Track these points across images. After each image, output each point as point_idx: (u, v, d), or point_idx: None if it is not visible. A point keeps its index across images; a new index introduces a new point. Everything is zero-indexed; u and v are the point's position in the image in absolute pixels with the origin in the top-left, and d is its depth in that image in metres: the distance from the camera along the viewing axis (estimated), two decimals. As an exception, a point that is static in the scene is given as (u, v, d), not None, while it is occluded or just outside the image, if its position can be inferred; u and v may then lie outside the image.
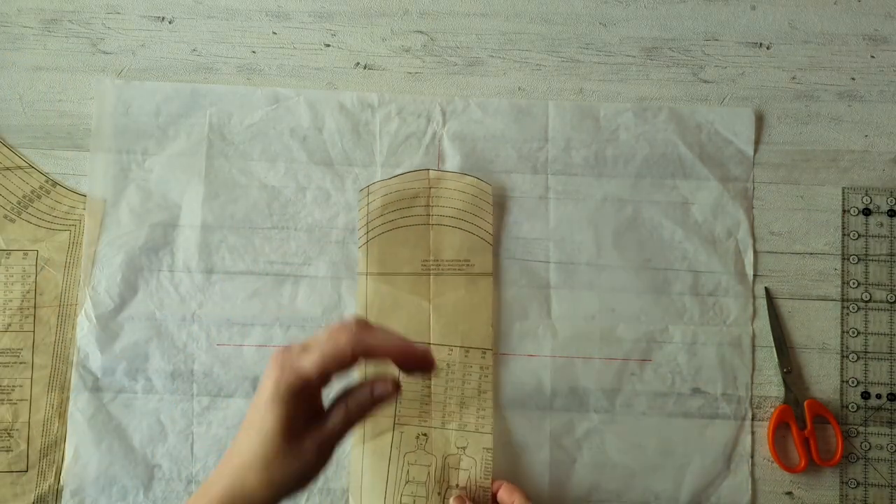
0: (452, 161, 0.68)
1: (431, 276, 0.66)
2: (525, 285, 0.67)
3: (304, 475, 0.45)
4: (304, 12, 0.70)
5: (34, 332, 0.66)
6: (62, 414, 0.65)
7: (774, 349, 0.66)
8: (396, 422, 0.65)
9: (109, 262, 0.66)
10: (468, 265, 0.67)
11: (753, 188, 0.68)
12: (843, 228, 0.68)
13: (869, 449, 0.66)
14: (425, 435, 0.65)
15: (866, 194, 0.68)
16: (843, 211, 0.68)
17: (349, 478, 0.65)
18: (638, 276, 0.67)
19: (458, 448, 0.65)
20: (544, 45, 0.70)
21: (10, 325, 0.66)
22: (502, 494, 0.62)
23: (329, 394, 0.48)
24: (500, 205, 0.68)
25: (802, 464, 0.65)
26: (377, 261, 0.67)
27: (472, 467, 0.64)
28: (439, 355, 0.65)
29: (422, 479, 0.64)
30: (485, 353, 0.66)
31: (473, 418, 0.65)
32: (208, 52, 0.70)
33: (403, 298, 0.66)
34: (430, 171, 0.68)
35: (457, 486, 0.64)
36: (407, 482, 0.64)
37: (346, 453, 0.65)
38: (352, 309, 0.67)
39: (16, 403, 0.65)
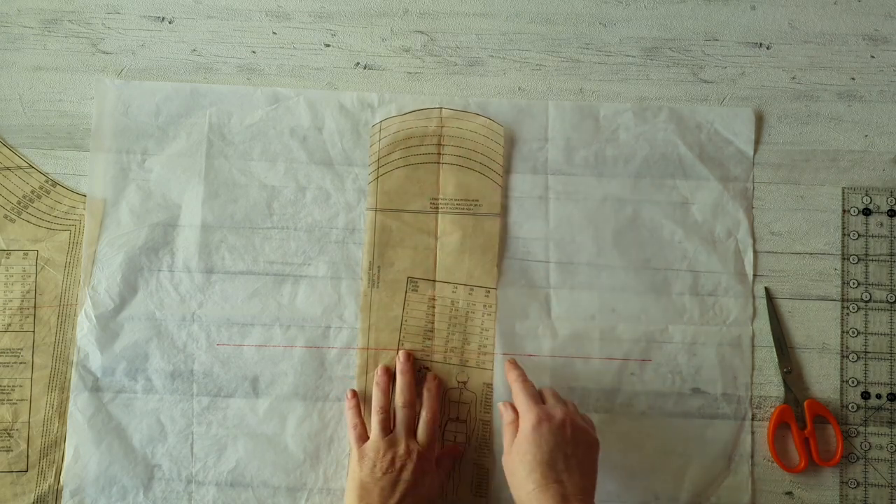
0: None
1: (439, 215, 0.67)
2: (525, 285, 0.67)
3: None
4: (304, 12, 0.70)
5: (34, 332, 0.66)
6: (62, 414, 0.65)
7: (774, 349, 0.66)
8: None
9: (109, 262, 0.66)
10: (476, 205, 0.67)
11: (753, 188, 0.68)
12: (843, 228, 0.68)
13: (869, 449, 0.66)
14: (427, 368, 0.66)
15: (866, 194, 0.68)
16: (843, 211, 0.68)
17: None
18: (638, 276, 0.67)
19: (458, 382, 0.66)
20: (544, 45, 0.70)
21: (10, 325, 0.66)
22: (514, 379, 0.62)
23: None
24: (510, 146, 0.68)
25: (802, 464, 0.65)
26: (386, 197, 0.67)
27: (472, 401, 0.66)
28: (443, 293, 0.66)
29: None
30: (489, 291, 0.67)
31: (475, 355, 0.66)
32: (208, 52, 0.70)
33: (410, 235, 0.67)
34: (443, 110, 0.68)
35: (457, 418, 0.65)
36: None
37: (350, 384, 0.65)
38: (352, 309, 0.67)
39: (16, 403, 0.65)
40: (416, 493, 0.58)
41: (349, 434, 0.63)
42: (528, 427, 0.57)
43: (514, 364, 0.64)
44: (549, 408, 0.58)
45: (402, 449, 0.60)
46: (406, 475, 0.58)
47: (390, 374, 0.65)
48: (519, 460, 0.56)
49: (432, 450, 0.62)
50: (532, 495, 0.54)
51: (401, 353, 0.65)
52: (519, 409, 0.59)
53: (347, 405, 0.64)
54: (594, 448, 0.58)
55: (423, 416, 0.63)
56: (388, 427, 0.62)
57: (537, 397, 0.60)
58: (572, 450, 0.56)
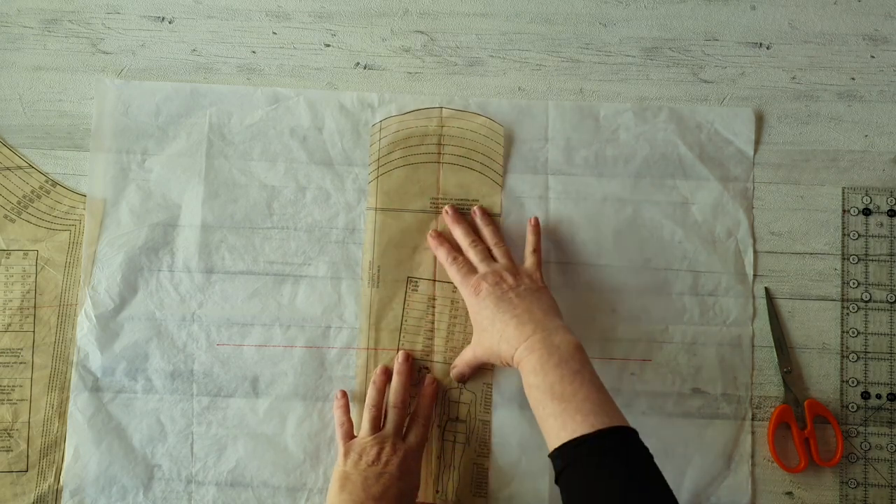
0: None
1: (439, 215, 0.67)
2: (525, 285, 0.67)
3: None
4: (304, 12, 0.70)
5: (34, 332, 0.66)
6: (62, 414, 0.65)
7: (774, 349, 0.66)
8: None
9: (109, 262, 0.66)
10: (476, 205, 0.67)
11: (753, 188, 0.68)
12: (843, 228, 0.68)
13: (869, 449, 0.66)
14: (427, 368, 0.66)
15: (866, 194, 0.68)
16: (843, 211, 0.68)
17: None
18: (638, 276, 0.67)
19: (458, 382, 0.66)
20: (544, 45, 0.70)
21: (10, 325, 0.66)
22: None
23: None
24: (509, 146, 0.68)
25: (802, 464, 0.65)
26: (386, 197, 0.67)
27: (472, 401, 0.66)
28: (443, 292, 0.67)
29: None
30: None
31: None
32: (208, 52, 0.70)
33: (410, 235, 0.67)
34: (443, 110, 0.68)
35: (457, 418, 0.65)
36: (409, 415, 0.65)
37: (350, 395, 0.65)
38: (352, 309, 0.67)
39: (16, 403, 0.65)
40: (399, 485, 0.58)
41: (336, 431, 0.64)
42: (471, 301, 0.62)
43: (437, 239, 0.66)
44: (479, 277, 0.62)
45: (388, 446, 0.60)
46: (391, 468, 0.59)
47: (388, 375, 0.65)
48: (482, 330, 0.61)
49: (420, 452, 0.62)
50: (504, 337, 0.58)
51: (400, 353, 0.65)
52: (459, 290, 0.64)
53: (336, 404, 0.65)
54: (535, 280, 0.62)
55: (415, 418, 0.63)
56: (377, 425, 0.62)
57: (469, 271, 0.63)
58: (515, 293, 0.60)
